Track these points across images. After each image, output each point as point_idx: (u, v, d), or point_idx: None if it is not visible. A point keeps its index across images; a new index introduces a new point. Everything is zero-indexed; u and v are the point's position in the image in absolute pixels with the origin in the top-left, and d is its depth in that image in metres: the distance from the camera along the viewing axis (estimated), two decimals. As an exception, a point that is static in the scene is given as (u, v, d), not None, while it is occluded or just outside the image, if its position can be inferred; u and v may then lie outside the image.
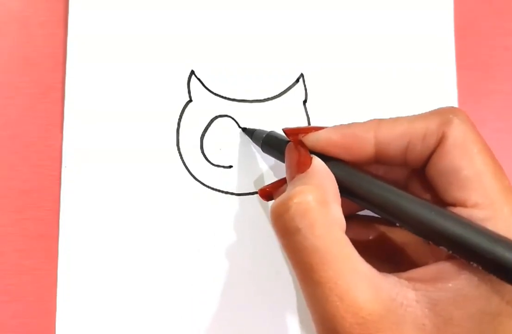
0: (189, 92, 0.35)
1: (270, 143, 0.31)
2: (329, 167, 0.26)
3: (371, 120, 0.26)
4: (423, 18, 0.36)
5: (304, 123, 0.35)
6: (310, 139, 0.27)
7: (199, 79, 0.35)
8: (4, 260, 0.34)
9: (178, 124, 0.35)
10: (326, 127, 0.27)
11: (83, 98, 0.35)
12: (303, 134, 0.27)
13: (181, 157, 0.35)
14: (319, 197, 0.23)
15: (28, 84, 0.35)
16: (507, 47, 0.37)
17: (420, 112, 0.35)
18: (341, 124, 0.27)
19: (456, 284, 0.22)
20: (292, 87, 0.35)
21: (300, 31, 0.36)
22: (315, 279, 0.22)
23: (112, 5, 0.35)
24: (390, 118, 0.26)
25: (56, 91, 0.35)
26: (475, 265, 0.22)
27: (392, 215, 0.24)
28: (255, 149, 0.35)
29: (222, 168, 0.35)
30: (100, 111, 0.35)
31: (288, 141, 0.29)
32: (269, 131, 0.32)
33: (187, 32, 0.36)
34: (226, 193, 0.34)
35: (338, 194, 0.25)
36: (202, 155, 0.35)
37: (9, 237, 0.34)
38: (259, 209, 0.34)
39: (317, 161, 0.26)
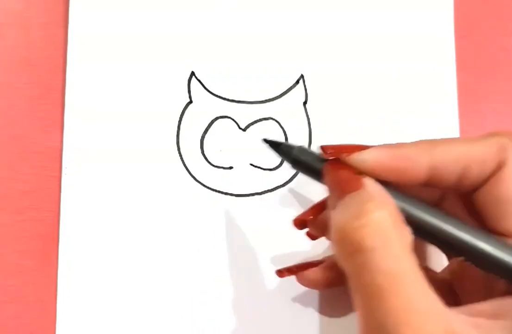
0: (189, 93, 0.35)
1: (302, 160, 0.27)
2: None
3: (423, 141, 0.24)
4: (423, 18, 0.36)
5: (304, 125, 0.35)
6: (356, 159, 0.24)
7: (199, 80, 0.35)
8: (4, 260, 0.34)
9: (178, 125, 0.35)
10: (370, 146, 0.25)
11: (83, 99, 0.35)
12: (346, 154, 0.25)
13: (181, 159, 0.35)
14: (394, 215, 0.21)
15: (28, 85, 0.35)
16: (507, 47, 0.37)
17: (420, 113, 0.35)
18: (388, 144, 0.25)
19: None
20: (292, 88, 0.35)
21: (300, 31, 0.36)
22: (382, 304, 0.20)
23: (112, 6, 0.35)
24: (444, 140, 0.25)
25: (56, 92, 0.35)
26: None
27: (453, 249, 0.23)
28: (255, 151, 0.35)
29: (222, 169, 0.35)
30: (100, 112, 0.35)
31: (323, 159, 0.26)
32: (300, 146, 0.28)
33: (187, 32, 0.36)
34: (226, 194, 0.34)
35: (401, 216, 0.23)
36: (202, 156, 0.35)
37: (9, 237, 0.34)
38: (259, 210, 0.34)
39: (370, 181, 0.23)
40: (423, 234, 0.23)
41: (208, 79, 0.35)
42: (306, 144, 0.35)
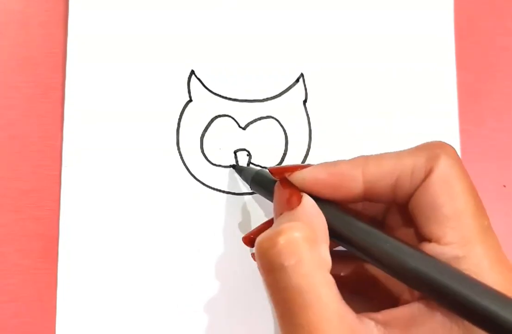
0: (189, 92, 0.35)
1: (259, 182, 0.31)
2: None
3: (357, 157, 0.26)
4: (423, 18, 0.36)
5: (304, 123, 0.35)
6: (296, 178, 0.26)
7: (199, 79, 0.35)
8: (4, 260, 0.34)
9: (178, 124, 0.35)
10: (310, 165, 0.26)
11: (83, 98, 0.35)
12: (289, 173, 0.27)
13: (181, 157, 0.35)
14: (308, 235, 0.23)
15: (28, 84, 0.35)
16: (507, 47, 0.37)
17: (420, 113, 0.35)
18: (326, 162, 0.26)
19: (430, 327, 0.22)
20: (292, 87, 0.35)
21: (300, 31, 0.36)
22: (295, 320, 0.22)
23: (112, 5, 0.36)
24: (377, 155, 0.26)
25: (56, 91, 0.35)
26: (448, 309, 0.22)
27: (372, 259, 0.24)
28: (255, 149, 0.35)
29: (222, 168, 0.35)
30: (100, 111, 0.35)
31: (275, 180, 0.28)
32: (258, 170, 0.31)
33: (187, 32, 0.36)
34: (226, 192, 0.34)
35: (327, 234, 0.24)
36: (202, 155, 0.35)
37: (9, 237, 0.34)
38: (259, 209, 0.34)
39: (307, 199, 0.25)
40: (354, 248, 0.25)
41: (208, 78, 0.35)
42: (306, 143, 0.35)
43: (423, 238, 0.24)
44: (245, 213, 0.34)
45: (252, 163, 0.34)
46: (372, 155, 0.26)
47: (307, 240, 0.23)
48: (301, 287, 0.22)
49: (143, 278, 0.33)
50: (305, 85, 0.35)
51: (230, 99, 0.35)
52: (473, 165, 0.36)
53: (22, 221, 0.34)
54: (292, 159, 0.35)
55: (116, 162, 0.34)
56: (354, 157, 0.26)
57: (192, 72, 0.35)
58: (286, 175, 0.27)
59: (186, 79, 0.35)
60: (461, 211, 0.23)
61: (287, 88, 0.35)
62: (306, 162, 0.35)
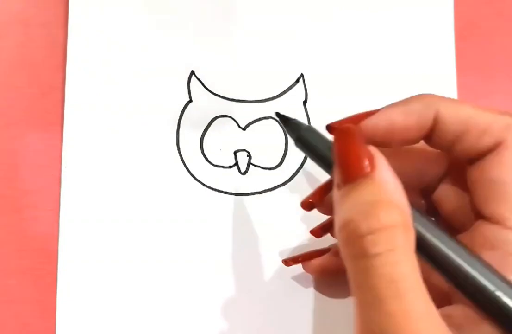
0: (189, 92, 0.35)
1: (308, 138, 0.25)
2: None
3: (428, 95, 0.24)
4: (423, 18, 0.36)
5: (304, 124, 0.35)
6: (368, 124, 0.23)
7: (199, 80, 0.35)
8: (4, 260, 0.34)
9: (178, 124, 0.35)
10: (376, 110, 0.24)
11: (83, 98, 0.35)
12: (354, 124, 0.23)
13: (181, 158, 0.35)
14: (404, 216, 0.20)
15: (28, 84, 0.35)
16: (507, 47, 0.37)
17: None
18: (391, 104, 0.24)
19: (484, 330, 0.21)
20: (292, 87, 0.35)
21: (300, 31, 0.36)
22: (384, 309, 0.20)
23: (112, 6, 0.36)
24: (452, 100, 0.24)
25: (56, 92, 0.35)
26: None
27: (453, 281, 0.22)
28: (255, 150, 0.35)
29: (222, 168, 0.35)
30: (100, 111, 0.35)
31: (329, 141, 0.24)
32: (308, 125, 0.26)
33: (187, 32, 0.36)
34: (226, 193, 0.34)
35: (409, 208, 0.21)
36: (202, 156, 0.35)
37: (9, 237, 0.34)
38: (259, 209, 0.34)
39: (381, 161, 0.21)
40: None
41: (208, 78, 0.35)
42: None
43: (481, 215, 0.23)
44: (245, 213, 0.34)
45: (252, 164, 0.34)
46: (446, 98, 0.24)
47: (404, 225, 0.20)
48: (393, 275, 0.20)
49: (143, 278, 0.33)
50: (305, 86, 0.35)
51: (230, 99, 0.35)
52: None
53: (22, 221, 0.34)
54: (292, 159, 0.35)
55: (116, 162, 0.34)
56: (422, 95, 0.24)
57: (192, 72, 0.35)
58: (355, 124, 0.23)
59: (186, 80, 0.35)
60: None
61: (287, 89, 0.35)
62: (306, 162, 0.35)
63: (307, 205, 0.27)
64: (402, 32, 0.36)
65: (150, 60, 0.35)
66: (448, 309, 0.22)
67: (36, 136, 0.35)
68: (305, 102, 0.35)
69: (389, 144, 0.24)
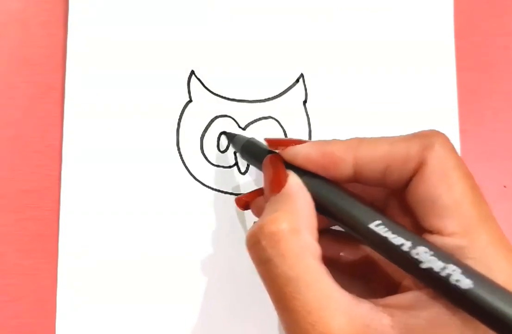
0: (189, 92, 0.35)
1: (249, 151, 0.31)
2: (306, 181, 0.26)
3: (352, 139, 0.26)
4: (423, 18, 0.36)
5: (304, 124, 0.35)
6: (288, 153, 0.26)
7: (199, 79, 0.35)
8: (4, 260, 0.34)
9: (178, 124, 0.35)
10: (306, 141, 0.27)
11: (83, 98, 0.35)
12: (282, 147, 0.27)
13: (181, 158, 0.35)
14: (290, 225, 0.23)
15: (28, 84, 0.35)
16: (507, 47, 0.37)
17: (420, 113, 0.35)
18: (321, 141, 0.26)
19: (430, 312, 0.22)
20: (292, 87, 0.35)
21: (300, 31, 0.36)
22: (289, 307, 0.22)
23: (112, 5, 0.35)
24: (371, 139, 0.26)
25: (56, 92, 0.35)
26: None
27: (362, 238, 0.24)
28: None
29: (222, 168, 0.35)
30: (100, 111, 0.35)
31: (268, 150, 0.28)
32: (249, 138, 0.32)
33: (187, 32, 0.36)
34: (226, 193, 0.34)
35: (314, 216, 0.25)
36: (202, 156, 0.35)
37: (9, 237, 0.34)
38: (259, 209, 0.34)
39: (293, 180, 0.26)
40: (343, 225, 0.25)
41: (208, 78, 0.35)
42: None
43: (423, 229, 0.24)
44: (245, 213, 0.34)
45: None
46: (366, 138, 0.26)
47: (289, 231, 0.23)
48: (288, 276, 0.22)
49: (143, 278, 0.33)
50: (305, 86, 0.35)
51: (230, 99, 0.35)
52: (473, 165, 0.35)
53: (22, 221, 0.34)
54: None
55: (116, 162, 0.34)
56: (349, 138, 0.26)
57: (192, 72, 0.35)
58: (280, 148, 0.27)
59: (186, 80, 0.35)
60: (460, 200, 0.23)
61: (287, 89, 0.35)
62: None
63: (241, 203, 0.31)
64: (402, 32, 0.36)
65: (150, 60, 0.35)
66: (403, 295, 0.24)
67: (36, 136, 0.35)
68: (305, 102, 0.35)
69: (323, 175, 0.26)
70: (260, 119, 0.35)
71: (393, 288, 0.26)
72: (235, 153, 0.35)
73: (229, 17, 0.36)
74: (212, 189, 0.34)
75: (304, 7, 0.36)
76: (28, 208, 0.34)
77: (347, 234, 0.27)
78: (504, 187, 0.36)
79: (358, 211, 0.24)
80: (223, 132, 0.34)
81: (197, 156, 0.35)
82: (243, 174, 0.34)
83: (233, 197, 0.34)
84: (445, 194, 0.23)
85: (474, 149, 0.36)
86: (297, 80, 0.35)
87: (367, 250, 0.29)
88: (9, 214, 0.34)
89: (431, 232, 0.24)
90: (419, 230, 0.25)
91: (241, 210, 0.31)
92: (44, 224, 0.34)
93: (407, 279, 0.25)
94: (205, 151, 0.35)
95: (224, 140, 0.35)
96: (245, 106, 0.35)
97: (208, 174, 0.34)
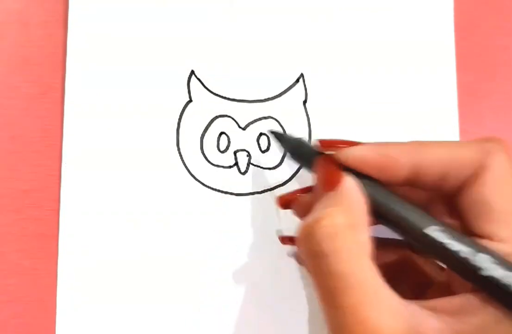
0: (189, 92, 0.35)
1: (299, 151, 0.29)
2: (360, 182, 0.25)
3: (411, 142, 0.26)
4: (423, 18, 0.36)
5: (304, 124, 0.35)
6: (344, 155, 0.26)
7: (199, 79, 0.35)
8: (4, 260, 0.34)
9: (178, 124, 0.35)
10: (360, 143, 0.26)
11: (83, 98, 0.35)
12: (336, 148, 0.26)
13: (181, 158, 0.35)
14: (347, 221, 0.23)
15: (28, 84, 0.35)
16: (507, 47, 0.37)
17: (420, 113, 0.35)
18: (378, 142, 0.26)
19: (480, 318, 0.22)
20: (292, 87, 0.35)
21: (300, 31, 0.36)
22: (337, 303, 0.22)
23: (112, 5, 0.35)
24: (430, 142, 0.25)
25: (56, 91, 0.35)
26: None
27: (417, 242, 0.24)
28: (255, 150, 0.35)
29: (222, 168, 0.35)
30: (100, 111, 0.35)
31: (318, 152, 0.28)
32: (299, 138, 0.30)
33: (188, 32, 0.36)
34: (226, 193, 0.34)
35: (366, 218, 0.24)
36: (202, 156, 0.35)
37: (9, 237, 0.34)
38: (259, 209, 0.34)
39: (348, 180, 0.25)
40: (398, 230, 0.25)
41: (208, 78, 0.35)
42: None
43: (472, 233, 0.24)
44: (245, 213, 0.34)
45: (252, 164, 0.34)
46: (426, 141, 0.26)
47: (346, 227, 0.23)
48: (341, 272, 0.22)
49: (143, 278, 0.33)
50: (305, 86, 0.35)
51: (230, 99, 0.35)
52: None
53: (22, 221, 0.34)
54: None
55: (116, 162, 0.34)
56: (408, 141, 0.26)
57: (192, 72, 0.35)
58: (333, 150, 0.27)
59: (186, 80, 0.35)
60: None
61: (287, 89, 0.35)
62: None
63: (283, 202, 0.30)
64: (402, 32, 0.36)
65: (150, 60, 0.35)
66: (450, 298, 0.24)
67: (36, 136, 0.35)
68: (305, 102, 0.35)
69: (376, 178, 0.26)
70: (260, 119, 0.35)
71: (441, 292, 0.26)
72: (235, 153, 0.35)
73: (229, 17, 0.36)
74: (212, 189, 0.34)
75: (304, 7, 0.36)
76: (28, 208, 0.34)
77: (391, 241, 0.28)
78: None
79: (414, 215, 0.24)
80: (271, 131, 0.31)
81: (197, 156, 0.35)
82: (243, 173, 0.34)
83: (233, 197, 0.34)
84: (502, 200, 0.24)
85: (474, 149, 0.36)
86: (297, 80, 0.35)
87: (415, 257, 0.29)
88: (9, 214, 0.34)
89: (480, 237, 0.24)
90: (464, 233, 0.24)
91: (281, 209, 0.31)
92: (44, 224, 0.34)
93: (455, 283, 0.25)
94: (205, 151, 0.35)
95: (224, 140, 0.35)
96: (245, 106, 0.35)
97: (208, 174, 0.34)
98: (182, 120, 0.35)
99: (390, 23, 0.36)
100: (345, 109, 0.35)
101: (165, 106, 0.35)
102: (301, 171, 0.34)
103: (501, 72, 0.37)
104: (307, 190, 0.29)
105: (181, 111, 0.35)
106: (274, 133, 0.31)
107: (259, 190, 0.34)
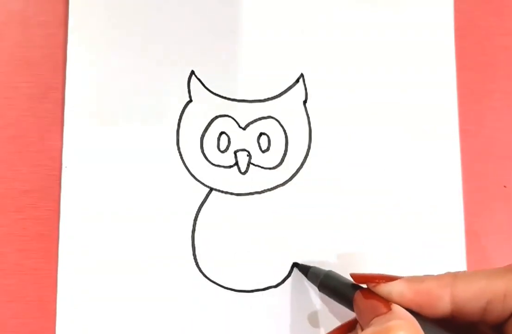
0: (189, 92, 0.35)
1: (329, 285, 0.30)
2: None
3: (445, 274, 0.25)
4: (423, 18, 0.36)
5: (304, 123, 0.35)
6: (382, 291, 0.26)
7: (199, 79, 0.35)
8: (4, 260, 0.34)
9: (178, 124, 0.35)
10: (396, 277, 0.26)
11: (83, 98, 0.35)
12: (373, 284, 0.26)
13: (181, 157, 0.35)
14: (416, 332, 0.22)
15: (28, 84, 0.35)
16: (507, 47, 0.37)
17: (420, 113, 0.35)
18: (413, 277, 0.26)
19: None
20: (292, 87, 0.35)
21: (300, 31, 0.36)
22: None
23: (112, 6, 0.35)
24: (466, 273, 0.25)
25: (56, 92, 0.35)
26: None
27: None
28: (255, 149, 0.35)
29: (222, 168, 0.35)
30: (100, 111, 0.35)
31: (352, 284, 0.28)
32: (328, 271, 0.31)
33: (187, 32, 0.36)
34: (226, 193, 0.34)
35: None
36: (202, 155, 0.35)
37: (9, 237, 0.34)
38: (259, 210, 0.34)
39: (397, 306, 0.24)
40: None
41: (208, 78, 0.35)
42: (306, 143, 0.35)
43: None
44: (245, 213, 0.34)
45: (252, 164, 0.34)
46: (460, 272, 0.25)
47: None
48: None
49: (143, 278, 0.33)
50: (305, 85, 0.35)
51: (230, 99, 0.35)
52: (473, 165, 0.36)
53: (22, 221, 0.34)
54: (292, 159, 0.35)
55: (116, 162, 0.34)
56: (442, 274, 0.25)
57: (192, 72, 0.35)
58: (371, 285, 0.26)
59: (186, 80, 0.35)
60: None
61: (287, 88, 0.35)
62: (306, 162, 0.35)
63: None
64: (402, 32, 0.36)
65: (150, 60, 0.35)
66: None
67: (36, 136, 0.35)
68: (305, 102, 0.35)
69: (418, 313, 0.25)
70: (260, 119, 0.35)
71: None
72: (235, 153, 0.35)
73: (229, 17, 0.36)
74: (212, 188, 0.34)
75: (305, 7, 0.36)
76: (28, 208, 0.34)
77: None
78: (504, 186, 0.36)
79: None
80: (295, 264, 0.33)
81: (197, 156, 0.35)
82: (243, 173, 0.34)
83: (233, 197, 0.34)
84: None
85: (474, 149, 0.36)
86: (297, 80, 0.35)
87: None
88: (9, 214, 0.34)
89: None
90: None
91: None
92: (44, 224, 0.34)
93: None
94: (205, 151, 0.35)
95: (224, 140, 0.35)
96: (245, 106, 0.35)
97: (208, 174, 0.34)
98: (182, 120, 0.35)
99: (390, 23, 0.36)
100: (345, 109, 0.35)
101: (165, 106, 0.35)
102: (301, 171, 0.34)
103: (501, 72, 0.37)
104: (347, 327, 0.28)
105: (181, 111, 0.35)
106: (299, 265, 0.33)
107: (259, 190, 0.34)
